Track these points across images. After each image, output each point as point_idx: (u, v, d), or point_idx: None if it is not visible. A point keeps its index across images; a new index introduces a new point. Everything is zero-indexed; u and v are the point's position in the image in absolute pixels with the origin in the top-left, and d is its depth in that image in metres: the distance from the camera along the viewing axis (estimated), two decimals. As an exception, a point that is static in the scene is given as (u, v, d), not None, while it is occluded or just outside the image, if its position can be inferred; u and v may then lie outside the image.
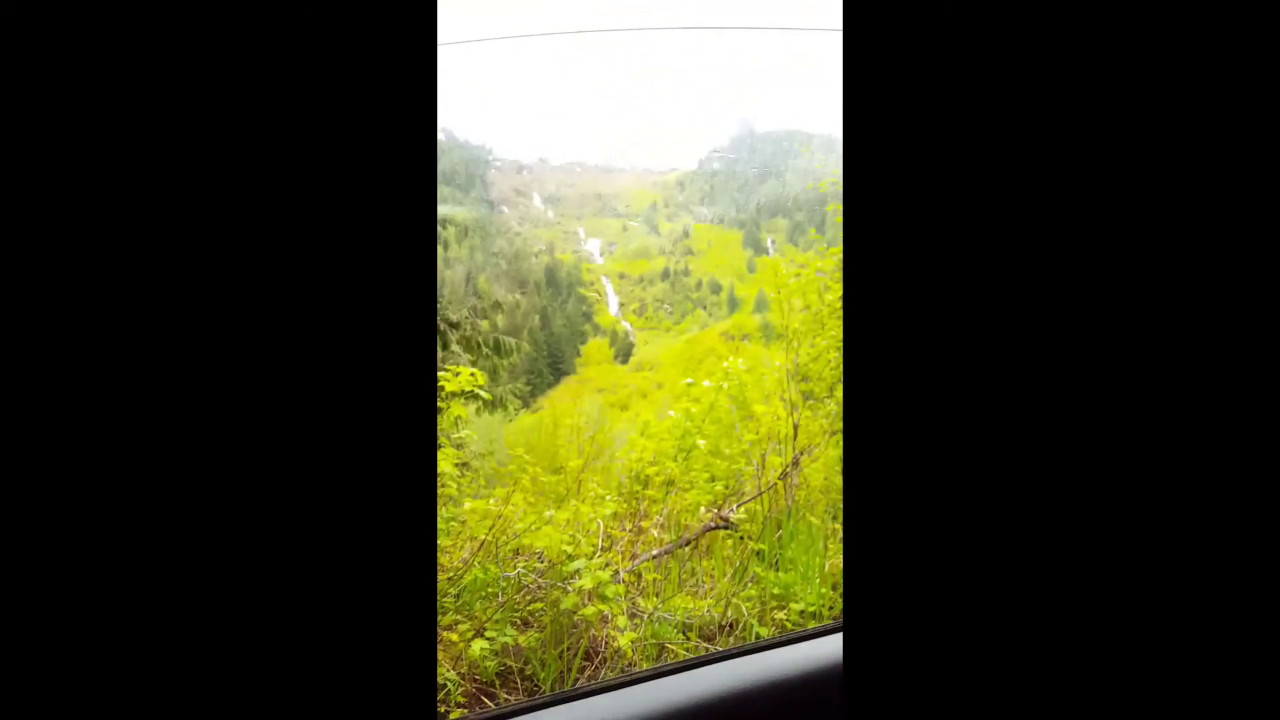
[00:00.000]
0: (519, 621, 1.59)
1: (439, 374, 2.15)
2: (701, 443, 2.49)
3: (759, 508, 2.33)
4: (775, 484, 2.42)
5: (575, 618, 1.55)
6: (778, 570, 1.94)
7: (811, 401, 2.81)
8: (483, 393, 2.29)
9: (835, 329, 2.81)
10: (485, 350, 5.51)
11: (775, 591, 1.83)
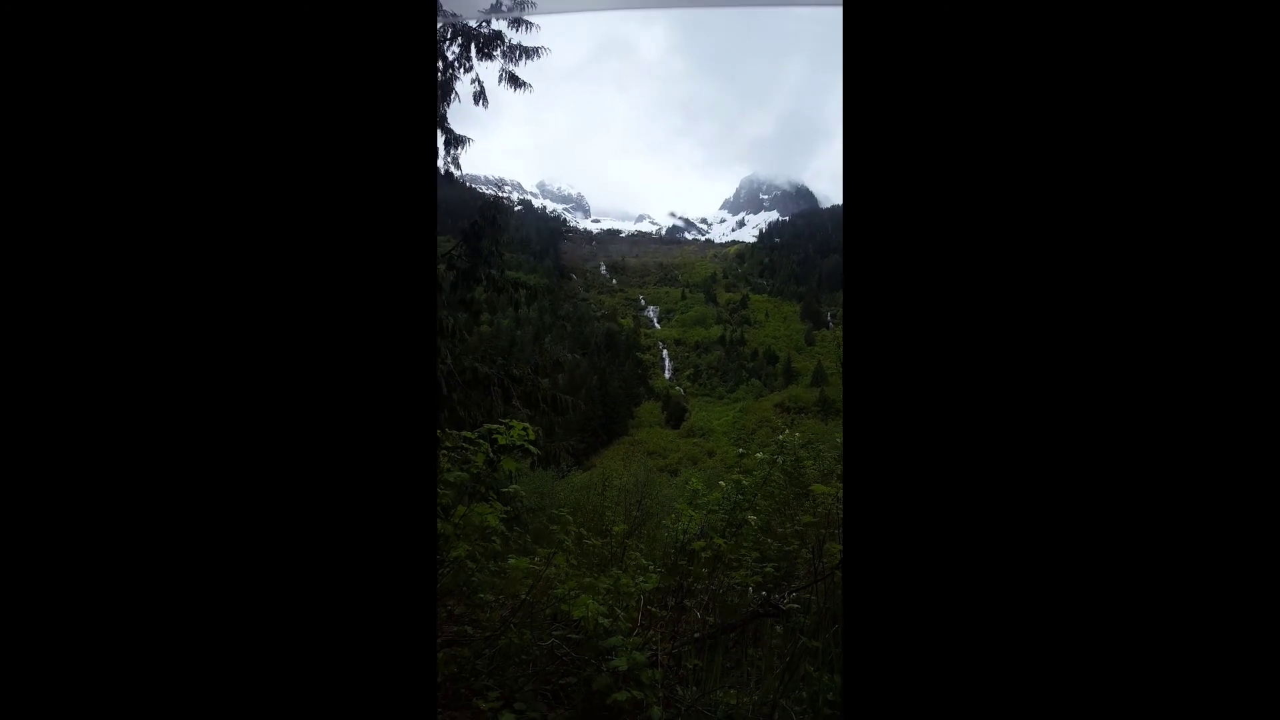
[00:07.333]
0: (549, 695, 1.51)
1: (493, 426, 2.24)
2: (753, 518, 2.36)
3: (814, 597, 2.13)
4: (833, 573, 2.22)
5: (608, 701, 1.45)
6: (833, 673, 1.74)
7: (875, 484, 2.59)
8: (532, 448, 2.35)
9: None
10: (544, 406, 5.69)
11: (829, 697, 1.63)
